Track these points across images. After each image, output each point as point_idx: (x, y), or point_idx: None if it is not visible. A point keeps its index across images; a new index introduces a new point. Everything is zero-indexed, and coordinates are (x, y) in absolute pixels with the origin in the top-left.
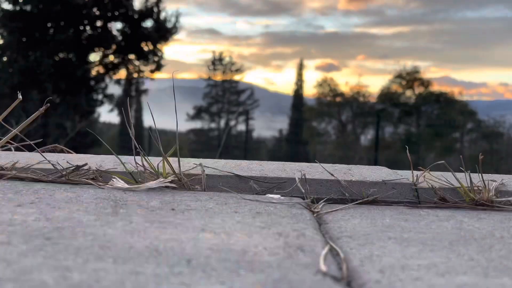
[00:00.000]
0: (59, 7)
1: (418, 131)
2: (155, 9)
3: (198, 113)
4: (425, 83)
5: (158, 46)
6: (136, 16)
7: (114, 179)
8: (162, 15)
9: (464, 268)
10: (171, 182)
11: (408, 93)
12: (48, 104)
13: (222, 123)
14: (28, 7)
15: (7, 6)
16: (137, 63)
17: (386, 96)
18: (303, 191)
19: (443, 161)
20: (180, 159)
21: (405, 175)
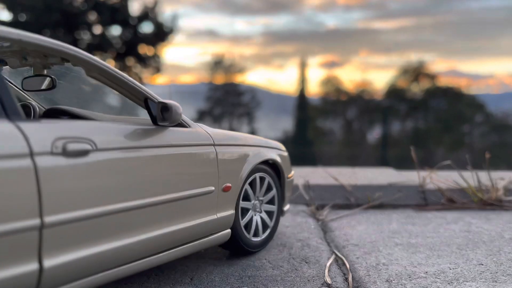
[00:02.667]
0: (56, 16)
1: (426, 126)
2: (153, 13)
3: (201, 117)
4: (432, 77)
5: (157, 49)
6: (134, 21)
7: None
8: (160, 18)
9: (472, 274)
10: None
11: (415, 88)
12: None
13: (226, 126)
14: (24, 17)
15: (5, 15)
16: (136, 67)
17: (392, 92)
18: (307, 197)
19: (449, 162)
20: None
21: (411, 176)
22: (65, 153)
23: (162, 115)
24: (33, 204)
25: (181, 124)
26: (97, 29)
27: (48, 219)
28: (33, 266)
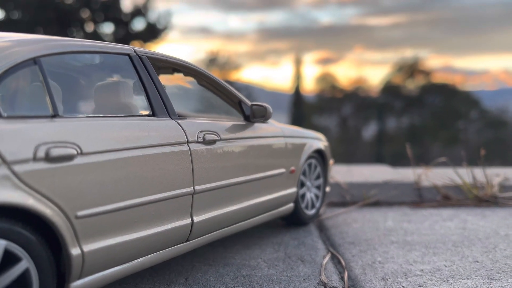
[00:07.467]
0: (49, 13)
1: (422, 122)
2: (146, 10)
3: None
4: (426, 73)
5: (150, 47)
6: (127, 18)
7: None
8: (153, 15)
9: (468, 272)
10: None
11: (410, 84)
12: None
13: None
14: (16, 15)
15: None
16: None
17: (388, 88)
18: None
19: (444, 159)
20: None
21: (407, 174)
22: (204, 141)
23: (254, 114)
24: (189, 177)
25: (263, 121)
26: (90, 27)
27: (197, 187)
28: (187, 220)
